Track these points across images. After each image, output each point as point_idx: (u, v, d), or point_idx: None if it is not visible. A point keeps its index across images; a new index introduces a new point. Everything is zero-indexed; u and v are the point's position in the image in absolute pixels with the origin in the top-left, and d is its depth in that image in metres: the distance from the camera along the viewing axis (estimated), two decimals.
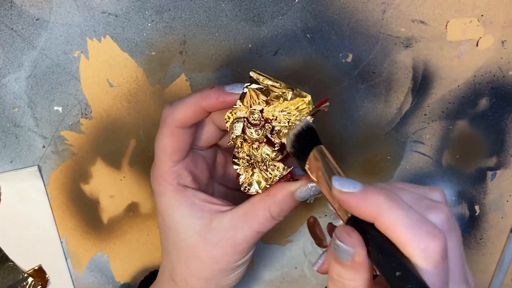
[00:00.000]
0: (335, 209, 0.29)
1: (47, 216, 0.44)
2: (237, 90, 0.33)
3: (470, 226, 0.48)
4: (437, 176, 0.46)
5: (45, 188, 0.43)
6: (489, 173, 0.46)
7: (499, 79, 0.44)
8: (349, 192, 0.26)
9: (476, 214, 0.48)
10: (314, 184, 0.32)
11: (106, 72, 0.41)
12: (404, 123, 0.45)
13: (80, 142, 0.43)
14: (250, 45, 0.41)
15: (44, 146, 0.42)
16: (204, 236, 0.34)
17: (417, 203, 0.28)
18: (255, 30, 0.41)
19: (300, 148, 0.32)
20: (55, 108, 0.42)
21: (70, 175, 0.43)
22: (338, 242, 0.26)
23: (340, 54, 0.42)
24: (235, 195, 0.39)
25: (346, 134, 0.45)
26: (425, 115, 0.44)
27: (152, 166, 0.36)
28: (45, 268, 0.45)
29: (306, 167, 0.31)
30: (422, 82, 0.43)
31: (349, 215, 0.28)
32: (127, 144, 0.43)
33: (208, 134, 0.36)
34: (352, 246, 0.26)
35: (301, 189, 0.33)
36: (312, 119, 0.32)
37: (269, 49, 0.42)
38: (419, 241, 0.25)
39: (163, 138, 0.34)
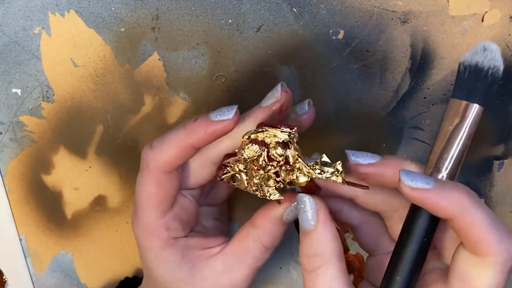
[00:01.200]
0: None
1: (4, 211, 0.43)
2: (225, 115, 0.30)
3: None
4: None
5: (2, 180, 0.43)
6: (496, 163, 0.46)
7: (507, 58, 0.43)
8: (423, 189, 0.28)
9: None
10: (296, 202, 0.32)
11: (70, 51, 0.41)
12: (402, 107, 0.44)
13: (41, 128, 0.42)
14: (230, 21, 0.41)
15: (1, 133, 0.42)
16: (196, 286, 0.33)
17: None
18: (236, 3, 0.40)
19: None
20: (14, 90, 0.41)
21: (30, 165, 0.43)
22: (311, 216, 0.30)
23: (330, 31, 0.41)
24: (221, 209, 0.39)
25: (337, 119, 0.44)
26: (424, 98, 0.44)
27: (134, 214, 0.34)
28: (2, 268, 0.45)
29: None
30: (421, 62, 0.43)
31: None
32: (94, 130, 0.43)
33: (198, 172, 0.34)
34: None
35: (287, 212, 0.32)
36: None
37: (251, 25, 0.41)
38: (502, 242, 0.27)
39: (147, 187, 0.32)
